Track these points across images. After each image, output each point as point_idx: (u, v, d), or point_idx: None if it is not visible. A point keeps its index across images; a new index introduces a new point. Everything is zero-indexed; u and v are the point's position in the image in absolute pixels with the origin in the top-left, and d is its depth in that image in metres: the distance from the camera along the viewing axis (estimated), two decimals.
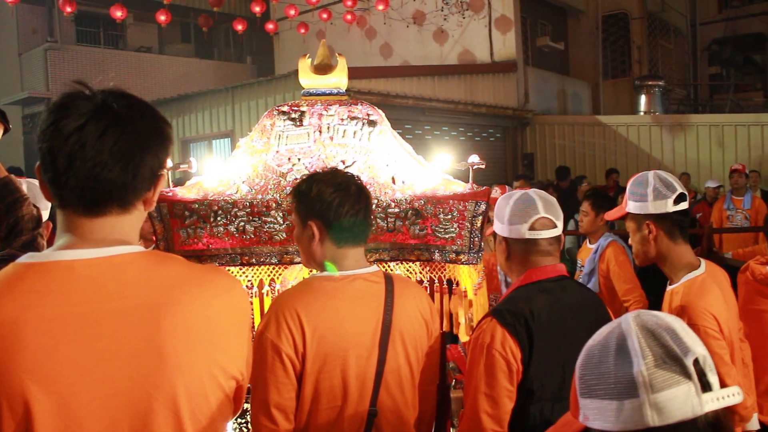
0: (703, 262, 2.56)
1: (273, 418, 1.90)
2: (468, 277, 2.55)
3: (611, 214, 2.75)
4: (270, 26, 14.59)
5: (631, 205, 2.53)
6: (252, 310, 2.55)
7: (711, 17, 25.22)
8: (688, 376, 0.98)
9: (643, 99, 17.02)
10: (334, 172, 2.13)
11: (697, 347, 1.02)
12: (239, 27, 13.66)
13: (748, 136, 13.57)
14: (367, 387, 1.99)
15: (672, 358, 0.99)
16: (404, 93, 11.33)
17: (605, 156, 14.62)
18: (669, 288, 2.56)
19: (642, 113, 16.61)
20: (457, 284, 2.57)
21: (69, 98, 1.29)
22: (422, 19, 16.00)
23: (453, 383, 2.68)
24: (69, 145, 1.25)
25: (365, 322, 2.00)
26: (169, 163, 2.53)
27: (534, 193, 2.20)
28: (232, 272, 2.55)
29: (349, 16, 14.29)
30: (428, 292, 2.56)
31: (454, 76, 14.03)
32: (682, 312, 2.37)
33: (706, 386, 0.99)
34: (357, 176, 2.15)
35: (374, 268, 2.12)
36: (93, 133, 1.26)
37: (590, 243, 4.65)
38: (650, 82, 17.23)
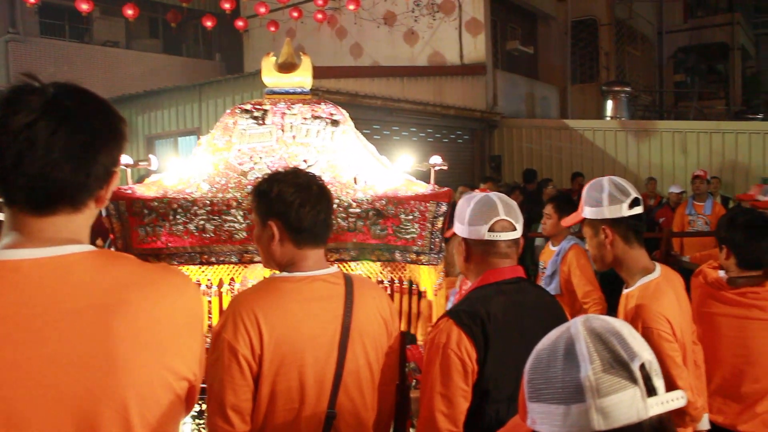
0: (658, 266, 2.59)
1: (229, 420, 1.88)
2: (428, 277, 2.57)
3: (567, 221, 2.77)
4: (240, 23, 14.46)
5: (587, 211, 2.55)
6: (207, 309, 2.53)
7: (677, 26, 25.68)
8: (634, 381, 0.99)
9: (609, 104, 17.28)
10: (295, 171, 2.11)
11: (643, 352, 1.02)
12: (208, 23, 13.51)
13: (710, 143, 13.83)
14: (325, 389, 1.98)
15: (619, 363, 1.00)
16: (373, 93, 11.31)
17: (572, 160, 14.77)
18: (625, 291, 2.59)
19: (608, 118, 16.84)
20: (418, 285, 2.58)
21: (18, 92, 1.24)
22: (393, 19, 16.02)
23: (413, 383, 2.69)
24: (18, 143, 1.20)
25: (324, 323, 1.99)
26: (129, 159, 2.51)
27: (495, 195, 2.20)
28: (192, 271, 2.53)
29: (319, 15, 14.23)
30: (389, 292, 2.56)
31: (423, 78, 14.06)
32: (636, 315, 2.41)
33: (651, 390, 1.00)
34: (319, 176, 2.14)
35: (334, 269, 2.11)
36: (44, 130, 1.21)
37: (553, 245, 4.70)
38: (617, 88, 17.51)
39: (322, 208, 2.04)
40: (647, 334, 2.37)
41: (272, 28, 14.44)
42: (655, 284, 2.49)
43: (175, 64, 17.92)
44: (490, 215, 2.13)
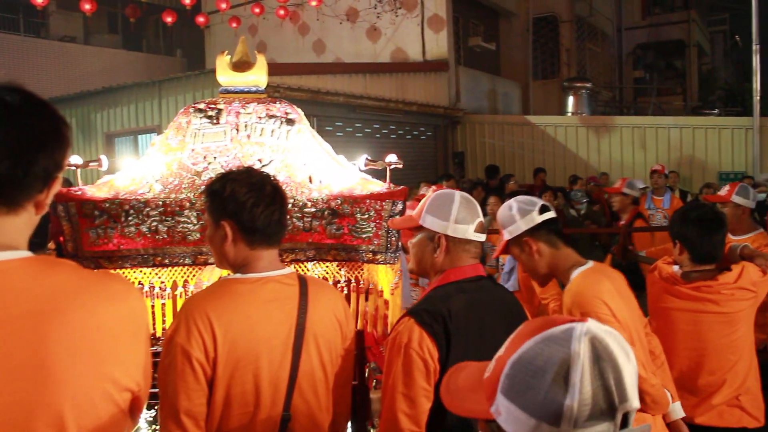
0: (590, 261, 2.64)
1: (183, 425, 1.85)
2: (385, 277, 2.56)
3: (498, 253, 2.82)
4: (200, 19, 14.28)
5: (506, 233, 2.61)
6: (162, 312, 2.50)
7: (635, 23, 26.12)
8: (612, 421, 0.99)
9: (570, 100, 17.50)
10: (248, 171, 2.08)
11: (633, 400, 1.00)
12: (168, 19, 13.32)
13: (668, 138, 14.09)
14: (280, 391, 1.96)
15: (607, 403, 0.98)
16: (335, 90, 11.27)
17: (533, 155, 14.92)
18: (564, 290, 2.64)
19: (570, 114, 17.07)
20: (374, 284, 2.57)
21: None
22: (355, 16, 16.00)
23: (374, 384, 2.69)
24: None
25: (278, 325, 1.97)
26: (78, 160, 2.46)
27: (469, 196, 2.21)
28: (145, 273, 2.49)
29: (281, 12, 14.15)
30: (346, 292, 2.55)
31: (386, 74, 14.05)
32: (573, 303, 2.45)
33: (623, 425, 1.01)
34: (273, 176, 2.12)
35: (288, 269, 2.09)
36: None
37: None
38: (578, 84, 17.74)
39: (276, 208, 2.01)
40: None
41: (234, 24, 14.31)
42: (586, 273, 2.55)
43: (135, 60, 17.66)
44: (475, 215, 2.14)
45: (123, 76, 14.42)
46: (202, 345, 1.86)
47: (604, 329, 1.03)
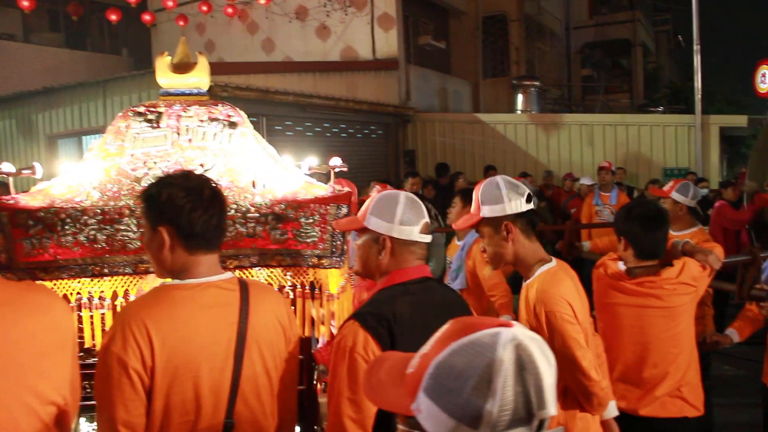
0: (554, 259, 2.66)
1: None
2: (332, 281, 2.54)
3: (460, 224, 2.75)
4: (146, 17, 13.99)
5: (486, 210, 2.56)
6: (101, 323, 2.43)
7: (583, 22, 26.59)
8: (530, 426, 1.00)
9: (520, 98, 17.71)
10: (186, 175, 2.03)
11: (551, 407, 1.02)
12: (113, 17, 13.03)
13: (615, 135, 14.37)
14: (222, 399, 1.92)
15: (526, 409, 0.99)
16: (285, 89, 11.17)
17: (484, 153, 15.04)
18: (525, 283, 2.64)
19: (519, 112, 17.27)
20: (321, 289, 2.55)
21: None
22: (305, 14, 15.91)
23: (323, 386, 2.66)
24: None
25: (219, 331, 1.93)
26: (10, 168, 2.38)
27: (414, 196, 2.18)
28: (84, 284, 2.42)
29: (230, 10, 13.95)
30: (291, 297, 2.52)
31: (336, 73, 14.02)
32: (538, 300, 2.47)
33: (539, 429, 1.02)
34: (211, 180, 2.07)
35: (228, 275, 2.05)
36: None
37: (458, 240, 4.75)
38: (527, 83, 17.96)
39: (215, 212, 1.97)
40: (550, 318, 2.43)
41: (181, 23, 14.06)
42: (553, 272, 2.56)
43: (79, 60, 17.20)
44: (420, 216, 2.11)
45: (66, 76, 14.05)
46: (139, 354, 1.81)
47: (530, 336, 1.05)
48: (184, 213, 1.91)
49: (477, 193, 2.61)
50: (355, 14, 15.54)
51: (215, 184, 2.04)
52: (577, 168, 14.02)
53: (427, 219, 2.13)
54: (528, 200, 2.54)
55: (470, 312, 2.28)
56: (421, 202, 2.16)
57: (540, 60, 22.93)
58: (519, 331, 1.04)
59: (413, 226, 2.09)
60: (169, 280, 2.00)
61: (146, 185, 2.33)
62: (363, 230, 2.16)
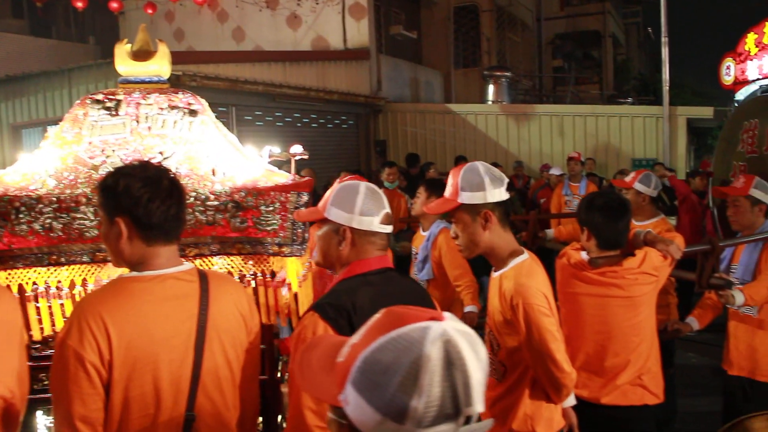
0: (526, 251, 2.65)
1: None
2: (293, 269, 2.53)
3: (434, 208, 2.70)
4: (114, 5, 13.79)
5: (465, 196, 2.51)
6: (61, 313, 2.39)
7: (554, 13, 26.74)
8: (456, 421, 1.00)
9: (491, 89, 17.77)
10: (144, 165, 2.01)
11: (478, 404, 1.02)
12: (79, 4, 12.79)
13: (585, 125, 14.51)
14: (182, 391, 1.91)
15: (453, 405, 0.99)
16: (254, 79, 11.09)
17: (455, 143, 15.09)
18: (496, 274, 2.63)
19: (490, 102, 17.33)
20: (282, 277, 2.54)
21: None
22: (275, 3, 15.79)
23: (287, 377, 2.66)
24: None
25: (178, 323, 1.92)
26: None
27: (375, 187, 2.16)
28: (40, 273, 2.38)
29: None
30: (253, 285, 2.51)
31: (306, 63, 13.95)
32: (516, 293, 2.46)
33: (466, 422, 1.02)
34: (170, 170, 2.04)
35: (188, 266, 2.03)
36: None
37: (423, 230, 4.75)
38: (498, 73, 18.03)
39: (173, 202, 1.94)
40: (528, 311, 2.43)
41: (149, 11, 13.89)
42: (528, 264, 2.56)
43: (44, 47, 16.84)
44: (380, 206, 2.09)
45: (30, 64, 13.78)
46: (96, 347, 1.79)
47: (460, 330, 1.04)
48: (141, 203, 1.88)
49: (456, 179, 2.55)
50: (326, 3, 15.46)
51: (174, 174, 2.02)
52: (548, 158, 14.13)
53: (387, 210, 2.12)
54: (507, 189, 2.54)
55: (432, 303, 2.27)
56: (381, 193, 2.14)
57: (511, 51, 23.03)
58: (449, 326, 1.03)
59: (373, 216, 2.08)
60: (126, 272, 1.97)
61: (104, 173, 2.30)
62: (323, 221, 2.14)
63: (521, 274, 2.51)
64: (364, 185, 2.12)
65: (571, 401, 2.84)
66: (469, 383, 1.00)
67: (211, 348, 1.96)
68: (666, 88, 13.85)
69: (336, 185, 2.17)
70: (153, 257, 1.94)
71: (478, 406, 1.02)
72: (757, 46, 8.44)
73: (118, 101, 2.57)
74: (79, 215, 2.32)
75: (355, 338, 1.08)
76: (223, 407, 2.01)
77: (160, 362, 1.87)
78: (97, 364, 1.79)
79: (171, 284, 1.94)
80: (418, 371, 0.97)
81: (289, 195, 2.41)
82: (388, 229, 2.12)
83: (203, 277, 2.02)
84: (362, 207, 2.07)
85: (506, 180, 2.55)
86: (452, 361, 0.99)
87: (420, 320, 1.03)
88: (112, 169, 2.24)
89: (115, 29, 17.87)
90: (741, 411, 3.39)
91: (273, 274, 2.50)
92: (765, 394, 3.72)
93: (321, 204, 2.16)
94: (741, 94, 8.82)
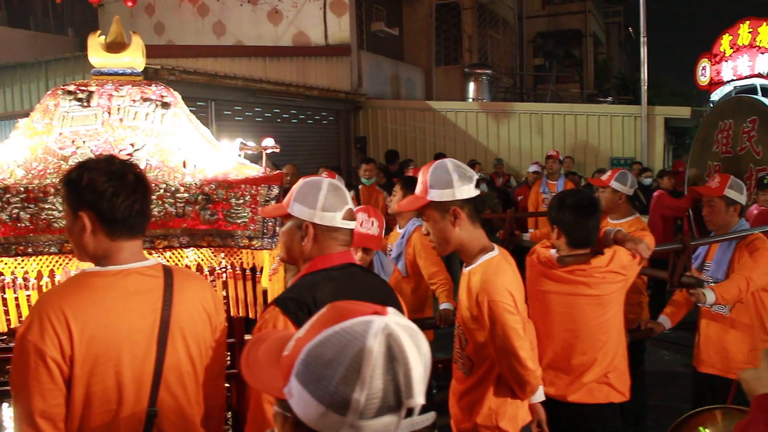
0: (496, 246, 2.67)
1: (38, 428, 1.77)
2: (265, 262, 2.54)
3: (405, 205, 2.69)
4: None
5: (435, 194, 2.52)
6: (27, 304, 2.38)
7: (535, 12, 26.86)
8: (398, 414, 1.02)
9: (472, 86, 17.83)
10: (109, 159, 1.98)
11: (419, 397, 1.04)
12: None
13: (564, 124, 14.61)
14: (145, 387, 1.91)
15: (395, 398, 1.01)
16: (234, 73, 11.04)
17: (435, 140, 15.12)
18: (466, 269, 2.65)
19: (471, 100, 17.38)
20: (252, 270, 2.54)
21: None
22: None
23: None
24: None
25: (141, 319, 1.91)
26: None
27: (340, 183, 2.17)
28: (7, 263, 2.37)
29: None
30: (223, 278, 2.52)
31: (286, 58, 13.91)
32: (482, 289, 2.48)
33: (408, 414, 1.04)
34: (136, 164, 2.04)
35: (152, 261, 2.02)
36: None
37: (399, 228, 4.75)
38: (479, 71, 18.09)
39: (138, 197, 1.93)
40: (492, 307, 2.45)
41: (129, 3, 13.68)
42: (496, 261, 2.57)
43: (21, 39, 16.60)
44: (343, 202, 2.10)
45: (6, 55, 13.61)
46: (57, 343, 1.78)
47: (402, 324, 1.05)
48: (106, 198, 1.87)
49: (425, 176, 2.56)
50: None
51: (140, 169, 2.01)
52: (527, 156, 14.21)
53: (350, 205, 2.12)
54: (476, 186, 2.54)
55: (396, 298, 2.28)
56: (344, 189, 2.14)
57: (492, 48, 23.09)
58: (392, 320, 1.04)
59: (336, 212, 2.08)
60: (90, 266, 1.96)
61: (74, 164, 2.29)
62: (287, 217, 2.15)
63: (488, 271, 2.52)
64: (327, 181, 2.12)
65: (539, 397, 2.87)
66: (410, 376, 1.02)
67: (174, 344, 1.95)
68: (644, 87, 13.97)
69: (300, 182, 2.17)
70: (117, 252, 1.93)
71: (420, 398, 1.03)
72: (731, 48, 8.54)
73: (90, 92, 2.56)
74: (47, 206, 2.30)
75: (300, 332, 1.10)
76: (186, 403, 2.00)
77: (123, 357, 1.86)
78: (58, 360, 1.78)
79: (135, 279, 1.93)
80: (361, 364, 0.99)
81: (259, 188, 2.41)
82: (351, 224, 2.13)
83: (168, 272, 2.01)
84: (324, 203, 2.07)
85: (476, 177, 2.55)
86: (394, 355, 1.01)
87: (363, 314, 1.05)
88: (79, 161, 2.24)
89: (94, 21, 17.69)
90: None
91: (244, 267, 2.51)
92: (738, 391, 3.77)
93: (285, 200, 2.16)
94: (716, 95, 8.93)
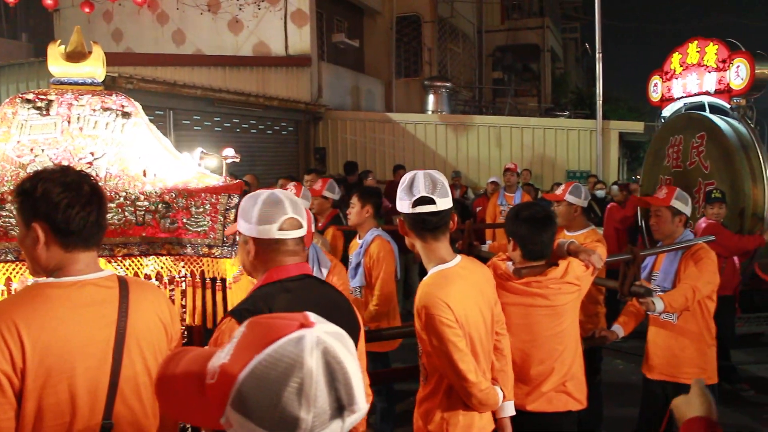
0: (458, 257, 2.73)
1: None
2: (227, 270, 2.56)
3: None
4: (48, 2, 13.42)
5: (401, 205, 2.68)
6: None
7: (495, 26, 27.23)
8: (342, 417, 1.03)
9: (431, 99, 17.99)
10: (63, 170, 1.96)
11: (361, 402, 1.05)
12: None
13: (521, 137, 14.83)
14: (99, 399, 1.88)
15: (339, 407, 1.02)
16: (193, 83, 10.97)
17: (394, 152, 15.21)
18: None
19: (430, 112, 17.53)
20: (212, 279, 2.56)
21: None
22: (217, 7, 15.66)
23: None
24: None
25: (96, 330, 1.89)
26: None
27: (281, 193, 2.16)
28: None
29: None
30: (182, 287, 2.53)
31: (247, 68, 13.87)
32: (420, 301, 2.55)
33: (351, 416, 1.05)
34: (91, 175, 2.03)
35: (108, 272, 2.01)
36: None
37: (359, 238, 4.78)
38: (438, 83, 18.25)
39: (93, 208, 1.92)
40: (429, 320, 2.51)
41: (87, 10, 13.56)
42: (445, 273, 2.63)
43: None
44: (278, 213, 2.10)
45: None
46: (9, 356, 1.75)
47: (333, 332, 1.05)
48: (60, 209, 1.85)
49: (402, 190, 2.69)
50: (268, 9, 15.41)
51: (95, 180, 1.99)
52: (485, 169, 14.38)
53: (290, 215, 2.12)
54: (415, 204, 2.59)
55: (352, 310, 2.31)
56: (284, 200, 2.14)
57: (452, 61, 23.35)
58: (321, 331, 1.03)
59: (272, 224, 2.09)
60: (43, 278, 1.93)
61: (32, 172, 2.29)
62: (239, 232, 2.19)
63: (432, 283, 2.60)
64: (265, 194, 2.14)
65: (508, 411, 2.89)
66: (350, 384, 1.02)
67: (130, 355, 1.94)
68: (599, 102, 14.29)
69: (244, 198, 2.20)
70: (71, 263, 1.91)
71: (361, 403, 1.05)
72: (681, 66, 8.81)
73: (50, 101, 2.56)
74: (4, 213, 2.29)
75: (224, 357, 1.05)
76: (142, 415, 1.99)
77: (77, 369, 1.83)
78: (9, 373, 1.75)
79: (90, 291, 1.91)
80: (302, 385, 0.98)
81: (219, 197, 2.44)
82: (293, 234, 2.13)
83: (123, 283, 2.00)
84: (259, 216, 2.09)
85: (415, 197, 2.59)
86: (332, 369, 1.01)
87: (289, 330, 1.02)
88: (41, 168, 2.23)
89: (49, 27, 17.41)
90: (661, 414, 3.51)
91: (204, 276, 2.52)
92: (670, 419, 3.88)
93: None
94: (667, 111, 9.20)
